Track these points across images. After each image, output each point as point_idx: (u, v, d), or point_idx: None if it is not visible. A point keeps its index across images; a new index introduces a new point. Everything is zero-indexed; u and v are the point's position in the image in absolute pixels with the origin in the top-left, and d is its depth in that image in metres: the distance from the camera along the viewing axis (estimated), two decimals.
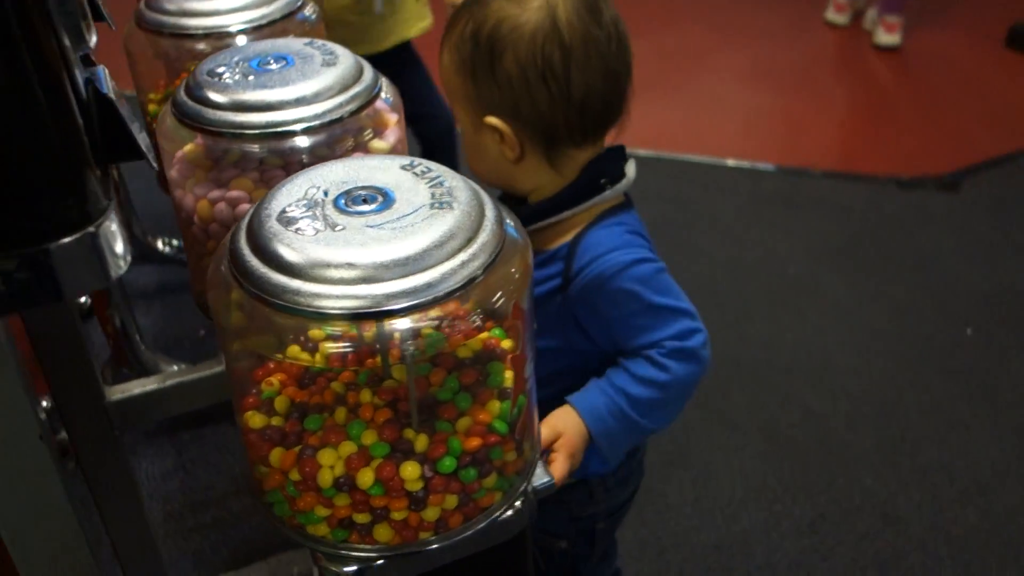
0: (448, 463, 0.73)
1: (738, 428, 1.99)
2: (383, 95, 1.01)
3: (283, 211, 0.71)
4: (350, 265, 0.65)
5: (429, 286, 0.65)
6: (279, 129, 0.91)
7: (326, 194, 0.73)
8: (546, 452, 0.95)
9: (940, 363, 2.15)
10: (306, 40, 1.03)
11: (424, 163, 0.77)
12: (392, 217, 0.70)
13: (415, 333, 0.68)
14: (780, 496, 1.85)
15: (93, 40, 0.58)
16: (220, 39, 1.19)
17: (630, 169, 1.06)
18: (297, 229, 0.69)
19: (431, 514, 0.75)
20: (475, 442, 0.74)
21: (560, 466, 0.94)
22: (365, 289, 0.65)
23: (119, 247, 0.56)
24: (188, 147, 0.98)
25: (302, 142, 0.93)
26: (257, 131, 0.91)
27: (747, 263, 2.51)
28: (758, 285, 2.42)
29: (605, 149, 1.05)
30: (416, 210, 0.70)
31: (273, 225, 0.69)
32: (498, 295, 0.71)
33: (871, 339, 2.23)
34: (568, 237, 1.03)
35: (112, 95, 0.62)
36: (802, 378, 2.12)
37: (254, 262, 0.68)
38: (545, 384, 1.09)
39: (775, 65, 3.67)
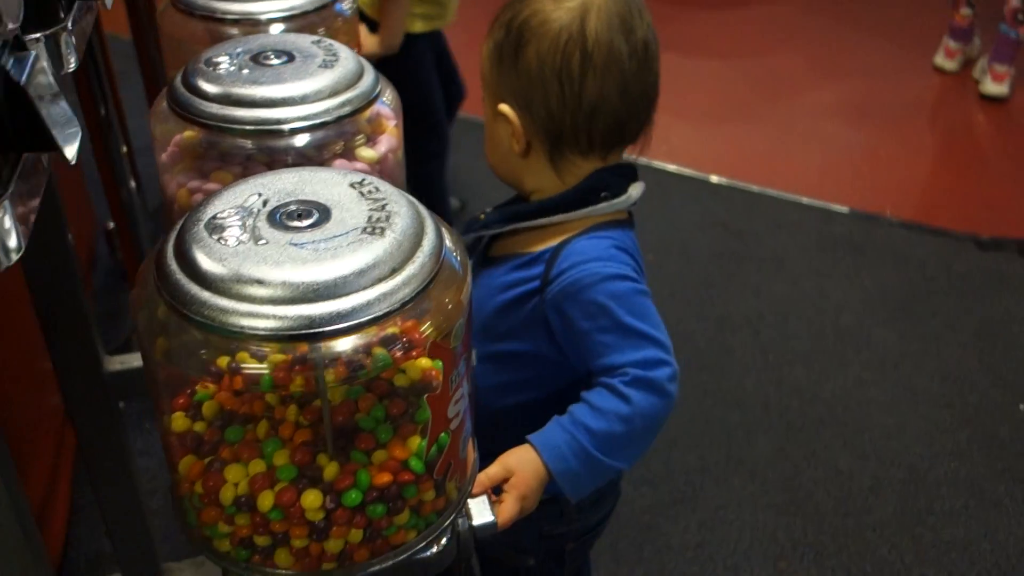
0: (354, 496, 0.71)
1: (757, 476, 1.92)
2: (382, 99, 0.99)
3: (214, 217, 0.69)
4: (258, 282, 0.63)
5: (339, 315, 0.63)
6: (264, 127, 0.90)
7: (264, 204, 0.71)
8: (497, 490, 0.92)
9: (983, 436, 2.04)
10: (315, 38, 1.01)
11: (376, 183, 0.74)
12: (319, 237, 0.67)
13: (341, 356, 0.66)
14: (787, 553, 1.77)
15: (11, 25, 0.57)
16: (253, 26, 1.19)
17: (635, 189, 1.04)
18: (221, 238, 0.67)
19: (333, 546, 0.72)
20: (385, 478, 0.71)
21: (508, 507, 0.90)
22: (271, 309, 0.63)
23: (11, 241, 0.55)
24: (187, 133, 0.98)
25: (288, 142, 0.91)
26: (242, 126, 0.90)
27: (798, 304, 2.42)
28: (805, 329, 2.33)
29: (614, 164, 1.04)
30: (347, 232, 0.68)
31: (199, 231, 0.68)
32: (425, 326, 0.68)
33: (914, 401, 2.12)
34: (555, 241, 1.02)
35: (46, 80, 0.61)
36: (833, 433, 2.03)
37: (173, 266, 0.66)
38: (509, 391, 1.07)
39: (870, 104, 3.53)
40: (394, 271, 0.66)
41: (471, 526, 0.84)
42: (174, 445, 0.75)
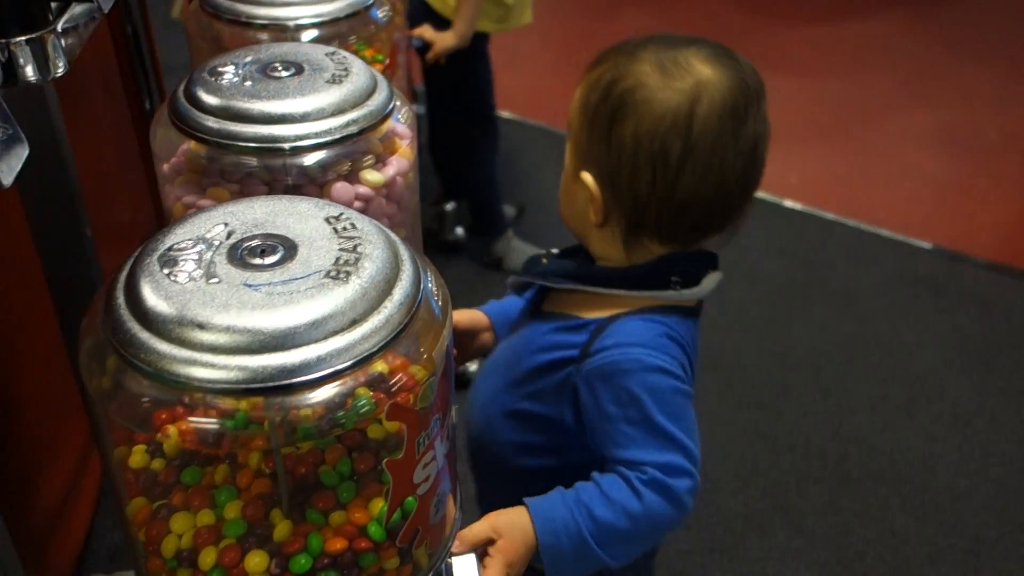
0: (303, 562, 0.64)
1: (804, 530, 1.80)
2: (397, 117, 0.93)
3: (170, 248, 0.63)
4: (200, 327, 0.57)
5: (285, 371, 0.57)
6: (263, 145, 0.85)
7: (228, 236, 0.65)
8: (483, 551, 0.84)
9: None
10: (330, 50, 0.96)
11: (355, 219, 0.68)
12: (277, 279, 0.61)
13: (292, 411, 0.60)
14: None
15: None
16: (282, 32, 1.14)
17: (710, 281, 0.96)
18: (172, 273, 0.61)
19: None
20: (339, 544, 0.65)
21: (492, 573, 0.81)
22: (211, 358, 0.57)
23: None
24: (192, 144, 0.93)
25: (289, 161, 0.86)
26: (239, 143, 0.85)
27: (866, 345, 2.28)
28: (871, 372, 2.19)
29: (695, 250, 0.95)
30: (308, 275, 0.61)
31: (152, 263, 0.62)
32: (395, 381, 0.62)
33: (985, 460, 1.97)
34: (607, 313, 0.94)
35: None
36: (893, 487, 1.90)
37: (119, 299, 0.61)
38: (526, 452, 1.00)
39: (964, 133, 3.34)
40: (354, 323, 0.60)
41: None
42: (128, 482, 0.69)
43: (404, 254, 0.67)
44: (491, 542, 0.83)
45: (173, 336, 0.58)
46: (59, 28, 0.76)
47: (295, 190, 0.88)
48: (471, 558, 0.80)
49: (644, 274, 0.93)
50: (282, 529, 0.65)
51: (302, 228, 0.66)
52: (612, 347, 0.90)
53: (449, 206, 2.47)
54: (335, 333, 0.59)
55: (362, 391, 0.61)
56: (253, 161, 0.86)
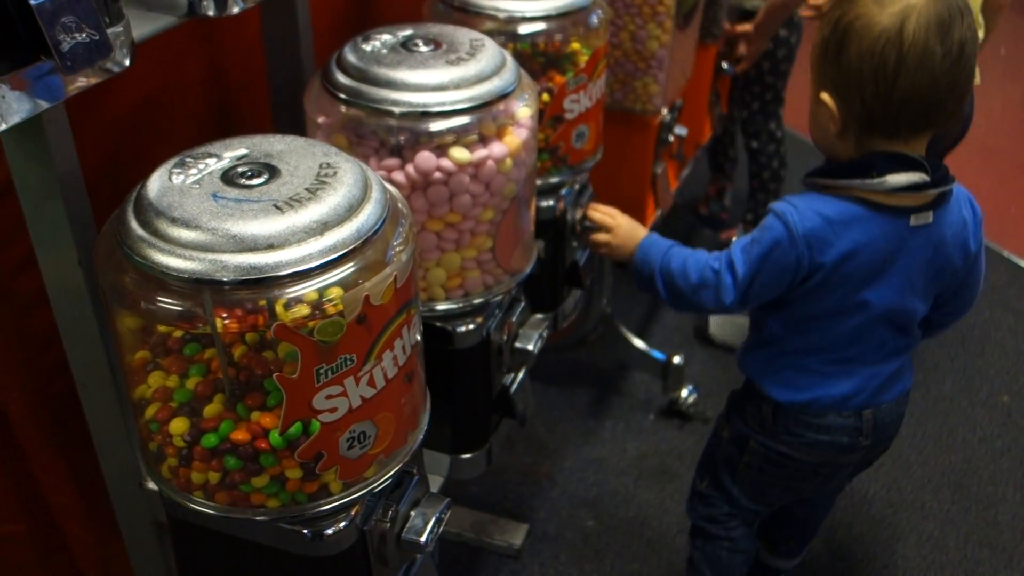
0: (209, 439, 0.75)
1: None
2: (515, 100, 0.99)
3: (190, 155, 0.77)
4: (159, 215, 0.70)
5: (225, 271, 0.67)
6: (376, 106, 0.96)
7: (240, 158, 0.77)
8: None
9: None
10: (475, 35, 1.04)
11: (339, 166, 0.76)
12: (242, 196, 0.72)
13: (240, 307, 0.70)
14: None
15: None
16: (506, 23, 1.24)
17: (896, 178, 1.09)
18: (175, 175, 0.75)
19: (195, 477, 0.78)
20: (241, 435, 0.75)
21: (601, 237, 1.34)
22: (163, 244, 0.69)
23: None
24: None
25: (397, 123, 0.96)
26: (359, 101, 0.97)
27: None
28: None
29: (892, 151, 1.10)
30: (261, 200, 0.72)
31: (171, 163, 0.76)
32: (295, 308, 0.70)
33: None
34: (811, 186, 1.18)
35: None
36: None
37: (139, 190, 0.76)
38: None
39: None
40: (275, 246, 0.69)
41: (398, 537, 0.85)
42: (125, 343, 0.82)
43: (373, 199, 0.75)
44: (611, 229, 1.33)
45: (144, 220, 0.71)
46: None
47: (399, 152, 0.98)
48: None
49: (842, 168, 1.13)
50: (211, 409, 0.76)
51: (296, 166, 0.76)
52: (786, 200, 1.15)
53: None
54: (263, 249, 0.68)
55: (288, 302, 0.69)
56: (366, 119, 0.97)
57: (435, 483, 1.18)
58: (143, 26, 0.88)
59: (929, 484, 1.86)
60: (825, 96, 1.10)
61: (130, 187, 0.78)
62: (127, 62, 0.79)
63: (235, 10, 0.92)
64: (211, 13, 0.91)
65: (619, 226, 1.32)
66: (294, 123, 1.24)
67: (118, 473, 1.03)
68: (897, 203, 1.11)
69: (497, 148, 0.98)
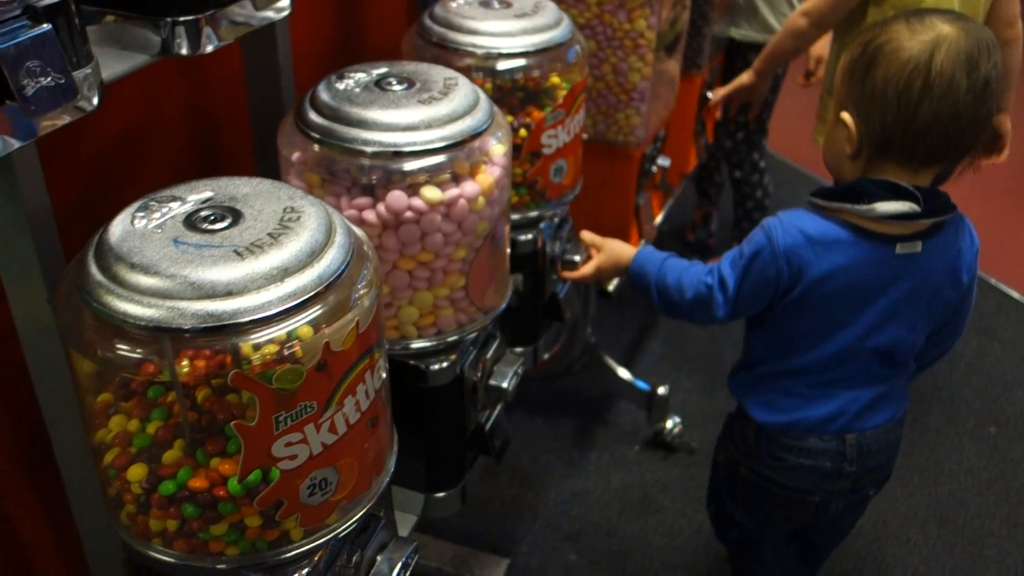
0: (167, 487, 0.74)
1: None
2: (488, 138, 0.99)
3: (154, 199, 0.77)
4: (118, 260, 0.70)
5: (185, 318, 0.67)
6: (349, 146, 0.96)
7: (204, 201, 0.77)
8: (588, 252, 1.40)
9: None
10: (450, 74, 1.04)
11: (303, 210, 0.76)
12: (203, 242, 0.71)
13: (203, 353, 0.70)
14: None
15: None
16: (484, 59, 1.24)
17: (885, 206, 1.10)
18: (138, 218, 0.74)
19: (154, 524, 0.77)
20: (199, 483, 0.74)
21: (588, 266, 1.37)
22: (119, 290, 0.69)
23: None
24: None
25: (368, 162, 0.96)
26: (330, 140, 0.97)
27: None
28: None
29: (884, 179, 1.11)
30: (223, 246, 0.71)
31: (136, 206, 0.76)
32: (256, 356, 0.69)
33: None
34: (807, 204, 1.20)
35: None
36: None
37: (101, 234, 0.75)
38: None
39: None
40: (233, 293, 0.68)
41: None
42: (82, 385, 0.81)
43: (336, 244, 0.74)
44: (600, 249, 1.35)
45: (103, 265, 0.71)
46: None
47: (371, 191, 0.98)
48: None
49: (838, 191, 1.15)
50: (170, 455, 0.75)
51: (261, 209, 0.76)
52: (776, 215, 1.18)
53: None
54: (222, 296, 0.68)
55: (248, 347, 0.69)
56: (338, 158, 0.97)
57: (409, 521, 1.17)
58: (115, 66, 0.88)
59: (915, 518, 1.85)
60: (846, 115, 1.11)
61: (105, 221, 0.78)
62: (96, 102, 0.79)
63: (209, 49, 0.92)
64: (184, 52, 0.91)
65: (607, 247, 1.35)
66: (274, 158, 1.24)
67: (87, 509, 1.02)
68: (884, 230, 1.12)
69: (469, 187, 0.98)
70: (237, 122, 1.40)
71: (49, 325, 0.91)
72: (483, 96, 1.03)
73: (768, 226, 1.17)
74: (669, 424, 1.96)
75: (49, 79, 0.73)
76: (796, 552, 1.44)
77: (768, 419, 1.25)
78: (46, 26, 0.71)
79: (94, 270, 0.71)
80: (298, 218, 0.75)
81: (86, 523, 1.03)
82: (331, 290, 0.73)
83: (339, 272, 0.74)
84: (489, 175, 1.00)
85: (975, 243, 1.21)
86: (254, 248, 0.71)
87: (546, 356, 1.49)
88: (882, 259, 1.13)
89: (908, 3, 1.53)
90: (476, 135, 0.98)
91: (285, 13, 0.99)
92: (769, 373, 1.25)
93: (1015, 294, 2.55)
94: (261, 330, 0.69)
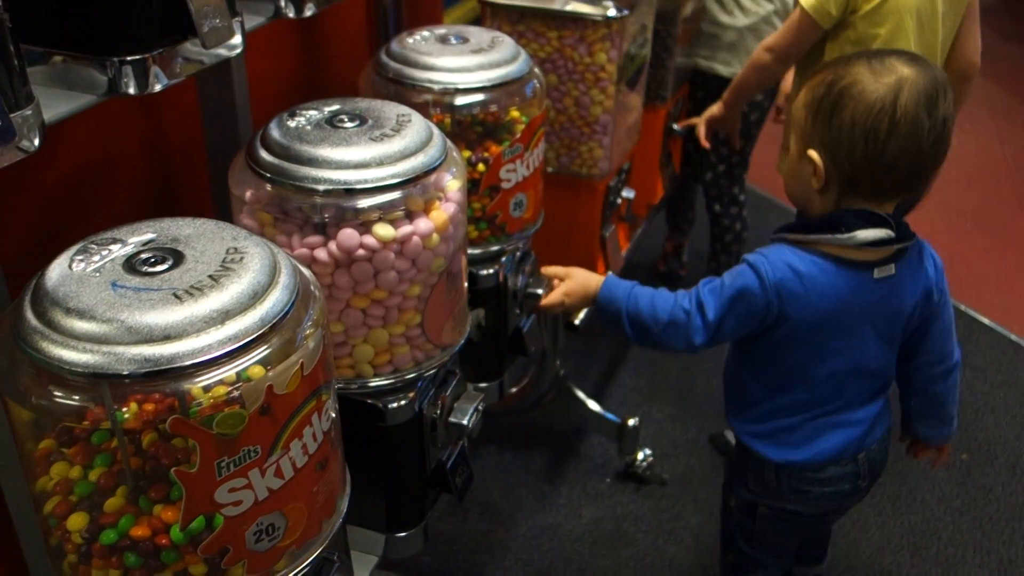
0: (110, 535, 0.72)
1: None
2: (443, 173, 0.99)
3: (93, 241, 0.75)
4: (55, 305, 0.68)
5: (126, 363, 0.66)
6: (300, 184, 0.95)
7: (144, 243, 0.76)
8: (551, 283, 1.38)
9: None
10: (405, 111, 1.04)
11: (246, 252, 0.75)
12: (142, 285, 0.70)
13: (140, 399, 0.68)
14: None
15: None
16: (442, 95, 1.24)
17: (865, 234, 1.16)
18: (76, 262, 0.73)
19: (95, 575, 0.75)
20: (141, 531, 0.72)
21: (554, 294, 1.36)
22: (54, 335, 0.67)
23: None
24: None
25: (319, 200, 0.95)
26: (272, 176, 0.96)
27: None
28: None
29: (861, 208, 1.17)
30: (161, 289, 0.70)
31: (74, 249, 0.74)
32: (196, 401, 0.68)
33: None
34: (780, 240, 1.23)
35: None
36: None
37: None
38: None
39: None
40: (172, 337, 0.67)
41: None
42: (18, 433, 0.80)
43: (281, 284, 0.73)
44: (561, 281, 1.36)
45: (39, 311, 0.69)
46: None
47: (323, 229, 0.97)
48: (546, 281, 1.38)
49: (817, 224, 1.19)
50: (112, 503, 0.73)
51: (203, 251, 0.75)
52: (759, 252, 1.21)
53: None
54: (159, 340, 0.66)
55: (187, 392, 0.67)
56: (290, 196, 0.96)
57: (370, 562, 1.15)
58: (61, 105, 0.87)
59: (888, 546, 1.84)
60: (813, 153, 1.16)
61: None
62: (37, 143, 0.78)
63: (157, 88, 0.91)
64: (132, 91, 0.90)
65: (572, 275, 1.35)
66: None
67: (39, 558, 0.99)
68: (862, 257, 1.18)
69: (423, 224, 0.97)
70: (194, 159, 1.39)
71: None
72: (436, 132, 1.02)
73: (754, 262, 1.19)
74: (640, 456, 1.95)
75: None
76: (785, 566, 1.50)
77: (787, 458, 1.28)
78: None
79: (30, 315, 0.70)
80: (241, 259, 0.74)
81: (40, 572, 1.00)
82: (274, 332, 0.72)
83: (282, 313, 0.72)
84: (443, 211, 0.99)
85: (938, 264, 1.27)
86: (193, 291, 0.70)
87: (514, 389, 1.48)
88: (863, 285, 1.19)
89: (865, 39, 1.55)
90: (429, 171, 0.97)
91: (238, 51, 0.98)
92: (771, 410, 1.28)
93: (985, 320, 2.56)
94: (201, 374, 0.68)
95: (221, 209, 1.35)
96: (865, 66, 1.14)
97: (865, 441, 1.29)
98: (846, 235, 1.16)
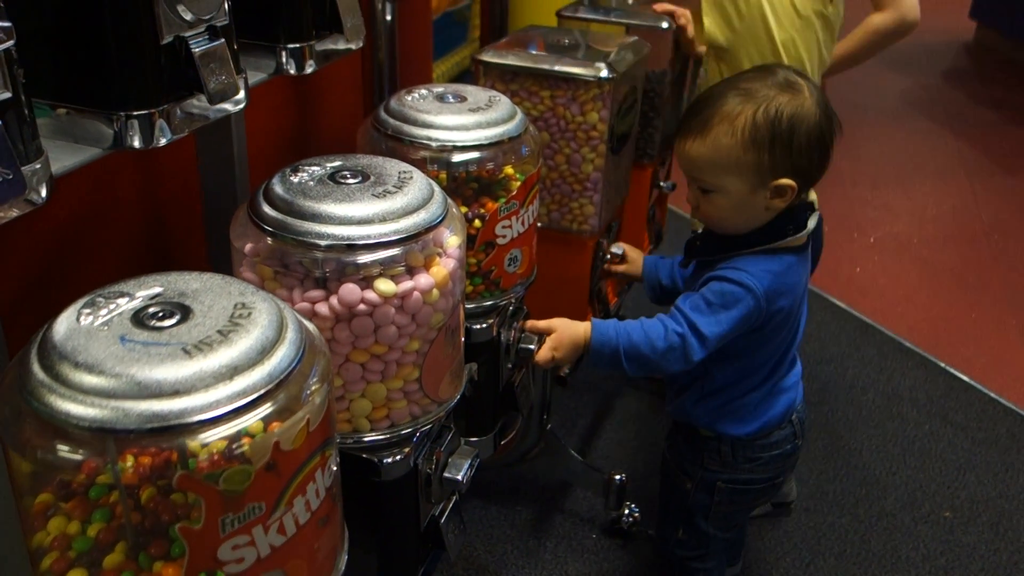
0: None
1: None
2: (443, 230, 1.00)
3: (101, 295, 0.76)
4: (63, 359, 0.68)
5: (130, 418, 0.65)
6: (302, 239, 0.95)
7: (152, 297, 0.76)
8: (542, 338, 1.38)
9: None
10: (407, 168, 1.05)
11: (253, 308, 0.75)
12: (151, 340, 0.70)
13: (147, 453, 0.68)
14: None
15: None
16: (439, 152, 1.26)
17: (811, 221, 1.33)
18: (83, 315, 0.73)
19: None
20: None
21: (544, 350, 1.36)
22: (60, 388, 0.67)
23: None
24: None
25: (322, 255, 0.96)
26: (284, 234, 0.96)
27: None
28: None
29: (801, 202, 1.34)
30: (169, 344, 0.70)
31: (82, 301, 0.75)
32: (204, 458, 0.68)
33: None
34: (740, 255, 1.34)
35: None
36: None
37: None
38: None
39: None
40: (233, 373, 0.67)
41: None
42: (17, 484, 0.79)
43: (288, 340, 0.73)
44: (548, 335, 1.37)
45: (46, 364, 0.69)
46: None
47: (324, 283, 0.97)
48: (536, 337, 1.38)
49: (769, 231, 1.31)
50: (111, 559, 0.73)
51: (211, 306, 0.75)
52: (727, 266, 1.31)
53: None
54: (168, 395, 0.66)
55: (195, 448, 0.67)
56: (291, 250, 0.97)
57: None
58: (67, 159, 0.88)
59: None
60: (786, 180, 1.28)
61: (54, 312, 0.76)
62: (44, 195, 0.78)
63: (162, 142, 0.92)
64: (137, 145, 0.91)
65: (556, 328, 1.37)
66: (228, 248, 1.23)
67: None
68: (803, 242, 1.34)
69: (423, 280, 0.98)
70: (189, 213, 1.39)
71: None
72: (437, 189, 1.04)
73: (738, 278, 1.29)
74: (626, 511, 1.94)
75: None
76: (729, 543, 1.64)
77: (741, 431, 1.41)
78: None
79: (36, 368, 0.69)
80: (249, 314, 0.75)
81: None
82: (281, 388, 0.72)
83: (290, 369, 0.73)
84: (443, 267, 1.00)
85: None
86: (203, 346, 0.70)
87: (502, 443, 1.47)
88: (805, 266, 1.37)
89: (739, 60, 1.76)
90: (430, 228, 0.98)
91: (241, 106, 0.99)
92: (736, 394, 1.41)
93: (965, 377, 2.59)
94: (209, 430, 0.68)
95: (216, 261, 1.36)
96: (784, 92, 1.28)
97: (795, 403, 1.45)
98: (804, 231, 1.32)
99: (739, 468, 1.45)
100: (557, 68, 1.59)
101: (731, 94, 1.29)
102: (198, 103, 0.95)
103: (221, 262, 1.24)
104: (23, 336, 0.86)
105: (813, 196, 1.42)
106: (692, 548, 1.56)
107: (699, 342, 1.29)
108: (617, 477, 1.91)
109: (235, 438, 0.68)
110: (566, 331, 1.36)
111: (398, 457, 1.06)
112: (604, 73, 1.58)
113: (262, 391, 0.70)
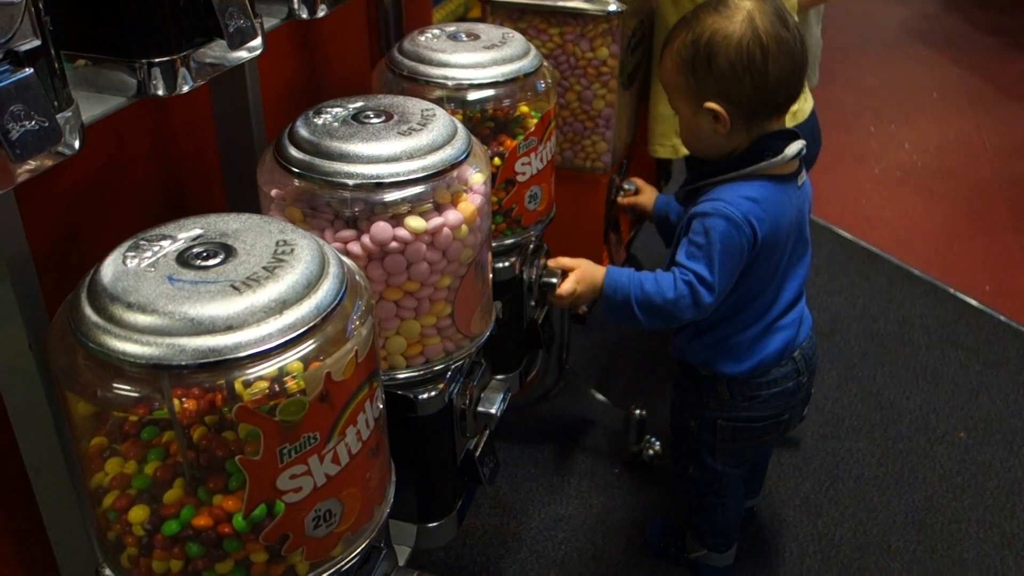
0: (172, 526, 0.74)
1: None
2: (467, 167, 1.00)
3: (144, 238, 0.76)
4: (113, 300, 0.69)
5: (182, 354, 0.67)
6: (329, 179, 0.96)
7: (195, 239, 0.77)
8: (564, 274, 1.39)
9: None
10: (428, 106, 1.05)
11: (296, 245, 0.76)
12: (198, 279, 0.71)
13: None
14: None
15: None
16: (455, 90, 1.26)
17: (791, 148, 1.30)
18: (128, 258, 0.74)
19: (157, 566, 0.76)
20: (203, 521, 0.73)
21: (567, 283, 1.37)
22: (116, 329, 0.68)
23: None
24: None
25: (350, 195, 0.97)
26: (302, 172, 0.97)
27: None
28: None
29: (779, 130, 1.32)
30: (218, 281, 0.71)
31: (125, 246, 0.76)
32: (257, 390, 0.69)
33: None
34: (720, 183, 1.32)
35: None
36: None
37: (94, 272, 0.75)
38: None
39: None
40: (232, 327, 0.68)
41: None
42: (78, 428, 0.81)
43: (331, 275, 0.74)
44: (573, 270, 1.38)
45: (98, 306, 0.70)
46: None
47: (354, 223, 0.98)
48: (559, 271, 1.39)
49: (744, 157, 1.30)
50: (171, 494, 0.75)
51: (253, 244, 0.76)
52: (709, 200, 1.29)
53: None
54: (221, 331, 0.68)
55: (249, 380, 0.69)
56: (319, 192, 0.98)
57: (402, 554, 1.16)
58: (93, 108, 0.88)
59: (894, 525, 1.87)
60: (712, 104, 1.27)
61: (80, 264, 0.77)
62: (77, 145, 0.79)
63: (185, 89, 0.92)
64: (161, 93, 0.91)
65: (580, 266, 1.39)
66: (246, 196, 1.23)
67: (72, 560, 1.00)
68: (789, 171, 1.33)
69: (452, 215, 0.99)
70: (205, 162, 1.39)
71: (31, 371, 0.90)
72: (460, 126, 1.04)
73: (715, 209, 1.27)
74: (647, 445, 1.97)
75: (33, 123, 0.73)
76: (743, 477, 1.65)
77: (737, 370, 1.41)
78: (28, 70, 0.71)
79: (88, 311, 0.71)
80: (291, 251, 0.76)
81: (71, 573, 1.01)
82: (329, 320, 0.73)
83: (335, 302, 0.74)
84: (471, 203, 1.01)
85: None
86: (250, 282, 0.71)
87: (527, 381, 1.50)
88: (792, 195, 1.34)
89: None
90: (455, 164, 0.99)
91: (257, 52, 0.99)
92: (730, 331, 1.40)
93: (973, 301, 2.61)
94: (262, 363, 0.69)
95: (235, 210, 1.36)
96: (715, 14, 1.26)
97: (797, 340, 1.43)
98: (780, 156, 1.28)
99: (738, 406, 1.45)
100: (566, 4, 1.58)
101: (682, 19, 1.31)
102: (213, 52, 0.95)
103: (242, 211, 1.24)
104: (52, 288, 0.87)
105: (791, 122, 1.42)
106: (705, 484, 1.57)
107: (704, 287, 1.28)
108: (637, 412, 1.94)
109: (288, 370, 0.70)
110: (588, 269, 1.38)
111: (433, 393, 1.08)
112: (613, 7, 1.57)
113: (311, 324, 0.71)
